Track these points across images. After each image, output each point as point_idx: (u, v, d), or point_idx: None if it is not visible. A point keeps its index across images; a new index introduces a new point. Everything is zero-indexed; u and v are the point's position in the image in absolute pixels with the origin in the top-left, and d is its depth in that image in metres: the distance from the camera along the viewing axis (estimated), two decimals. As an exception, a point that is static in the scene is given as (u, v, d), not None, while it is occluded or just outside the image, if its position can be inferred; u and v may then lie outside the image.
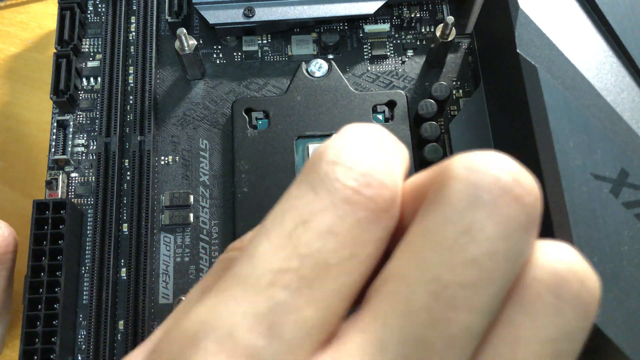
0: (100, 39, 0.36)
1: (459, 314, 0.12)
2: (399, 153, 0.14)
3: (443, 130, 0.34)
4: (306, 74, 0.34)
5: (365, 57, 0.36)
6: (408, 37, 0.36)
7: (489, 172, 0.12)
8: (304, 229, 0.13)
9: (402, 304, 0.12)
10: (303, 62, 0.34)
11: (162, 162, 0.33)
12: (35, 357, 0.28)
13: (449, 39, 0.33)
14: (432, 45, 0.34)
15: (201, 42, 0.36)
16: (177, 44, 0.32)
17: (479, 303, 0.12)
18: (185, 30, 0.32)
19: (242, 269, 0.13)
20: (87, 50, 0.36)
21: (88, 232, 0.32)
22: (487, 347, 0.12)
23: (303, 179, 0.14)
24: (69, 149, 0.34)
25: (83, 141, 0.34)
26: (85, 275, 0.31)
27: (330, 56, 0.36)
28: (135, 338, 0.30)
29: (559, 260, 0.13)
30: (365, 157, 0.13)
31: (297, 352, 0.12)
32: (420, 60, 0.36)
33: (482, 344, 0.12)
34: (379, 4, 0.34)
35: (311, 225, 0.13)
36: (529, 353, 0.12)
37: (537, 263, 0.13)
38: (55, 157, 0.33)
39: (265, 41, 0.36)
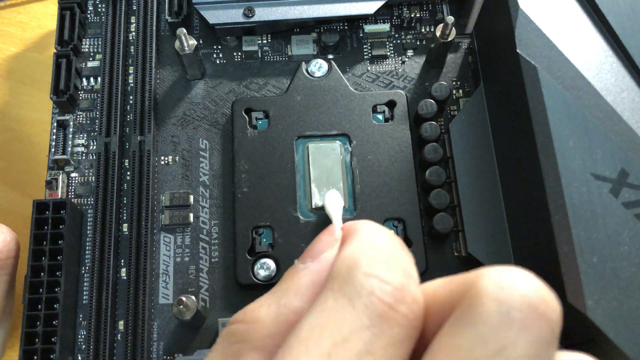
0: (100, 39, 0.36)
1: None
2: (412, 261, 0.15)
3: (443, 130, 0.34)
4: (306, 74, 0.34)
5: (365, 57, 0.36)
6: (408, 37, 0.36)
7: (518, 290, 0.13)
8: (343, 349, 0.13)
9: None
10: (303, 62, 0.34)
11: (162, 162, 0.34)
12: (35, 357, 0.28)
13: (449, 39, 0.33)
14: (432, 45, 0.34)
15: (201, 42, 0.36)
16: (177, 44, 0.32)
17: None
18: (185, 30, 0.32)
19: None
20: (87, 50, 0.36)
21: (88, 232, 0.32)
22: None
23: (338, 289, 0.14)
24: (69, 149, 0.34)
25: (83, 141, 0.34)
26: (85, 275, 0.31)
27: (330, 56, 0.36)
28: (135, 338, 0.30)
29: None
30: (398, 269, 0.14)
31: None
32: (420, 60, 0.36)
33: None
34: (379, 4, 0.34)
35: (350, 345, 0.13)
36: None
37: None
38: (55, 157, 0.33)
39: (265, 41, 0.36)
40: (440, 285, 0.15)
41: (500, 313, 0.13)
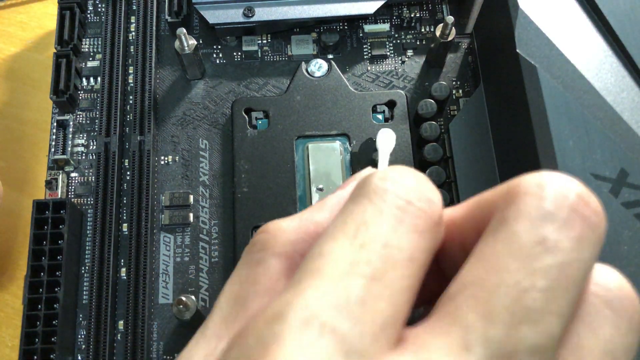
0: (100, 38, 0.36)
1: (541, 316, 0.12)
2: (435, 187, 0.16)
3: (443, 130, 0.34)
4: (306, 73, 0.34)
5: (365, 57, 0.36)
6: (408, 37, 0.36)
7: (560, 191, 0.13)
8: (366, 229, 0.13)
9: (484, 308, 0.12)
10: (303, 62, 0.34)
11: (162, 162, 0.34)
12: (35, 357, 0.28)
13: (449, 38, 0.33)
14: (432, 45, 0.34)
15: (201, 42, 0.36)
16: (177, 43, 0.32)
17: (558, 308, 0.12)
18: (185, 30, 0.32)
19: (314, 264, 0.13)
20: (87, 50, 0.36)
21: (88, 232, 0.32)
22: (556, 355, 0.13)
23: (356, 194, 0.15)
24: (69, 148, 0.34)
25: (83, 141, 0.34)
26: (85, 275, 0.31)
27: (330, 56, 0.36)
28: (135, 338, 0.30)
29: (611, 280, 0.14)
30: (410, 177, 0.15)
31: (380, 340, 0.12)
32: (420, 60, 0.36)
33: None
34: (379, 4, 0.34)
35: (372, 227, 0.14)
36: None
37: (593, 280, 0.14)
38: (55, 157, 0.33)
39: (265, 41, 0.36)
40: (483, 194, 0.15)
41: (542, 208, 0.13)
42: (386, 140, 0.28)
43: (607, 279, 0.14)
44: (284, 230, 0.16)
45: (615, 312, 0.14)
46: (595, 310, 0.14)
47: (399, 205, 0.14)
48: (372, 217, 0.14)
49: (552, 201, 0.13)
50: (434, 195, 0.15)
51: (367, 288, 0.13)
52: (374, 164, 0.32)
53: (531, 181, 0.14)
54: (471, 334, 0.12)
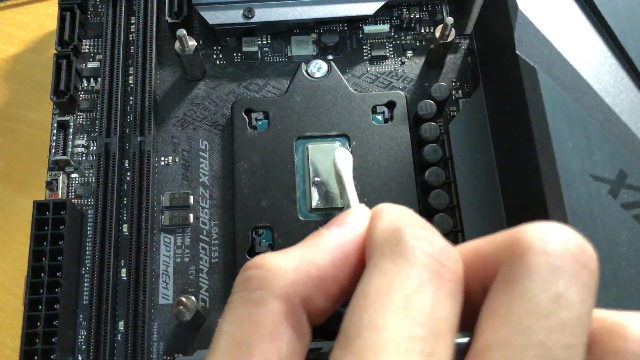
0: (100, 39, 0.36)
1: None
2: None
3: (442, 131, 0.34)
4: (306, 74, 0.34)
5: (364, 57, 0.36)
6: (407, 37, 0.36)
7: (563, 244, 0.14)
8: (415, 302, 0.14)
9: None
10: (303, 63, 0.34)
11: (162, 163, 0.34)
12: (36, 358, 0.28)
13: (449, 39, 0.33)
14: (432, 46, 0.34)
15: (201, 42, 0.36)
16: (177, 44, 0.33)
17: (577, 355, 0.13)
18: (185, 31, 0.32)
19: (371, 339, 0.13)
20: (87, 50, 0.36)
21: (88, 232, 0.32)
22: None
23: (391, 252, 0.15)
24: (69, 149, 0.34)
25: (83, 142, 0.34)
26: (86, 276, 0.31)
27: (330, 57, 0.36)
28: (135, 338, 0.30)
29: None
30: (436, 234, 0.15)
31: None
32: (420, 61, 0.36)
33: None
34: (379, 5, 0.34)
35: (419, 296, 0.14)
36: None
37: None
38: (56, 157, 0.33)
39: (265, 42, 0.36)
40: (481, 244, 0.15)
41: (551, 265, 0.14)
42: (345, 160, 0.27)
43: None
44: (284, 270, 0.15)
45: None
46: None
47: (436, 269, 0.14)
48: (417, 284, 0.14)
49: (558, 256, 0.14)
50: (456, 254, 0.15)
51: None
52: (373, 167, 0.32)
53: (534, 236, 0.14)
54: None
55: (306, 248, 0.16)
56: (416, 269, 0.14)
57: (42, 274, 0.30)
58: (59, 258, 0.30)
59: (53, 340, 0.29)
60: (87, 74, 0.36)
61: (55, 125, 0.34)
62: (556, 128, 0.26)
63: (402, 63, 0.36)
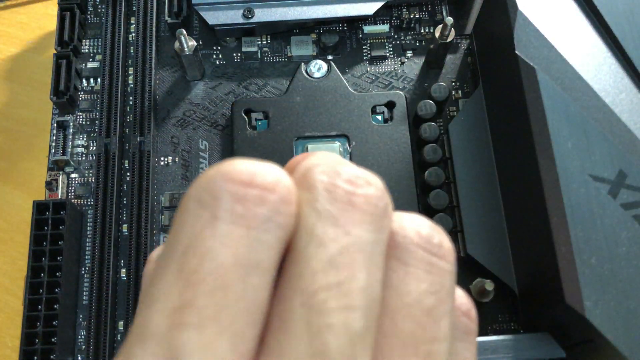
0: (100, 39, 0.36)
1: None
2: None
3: (442, 131, 0.34)
4: (305, 74, 0.34)
5: (364, 57, 0.36)
6: (407, 38, 0.36)
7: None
8: (193, 254, 0.12)
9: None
10: (302, 63, 0.34)
11: (162, 163, 0.34)
12: (36, 358, 0.28)
13: (448, 39, 0.33)
14: (432, 46, 0.34)
15: (201, 43, 0.36)
16: (176, 44, 0.33)
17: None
18: (184, 31, 0.32)
19: (138, 319, 0.12)
20: (87, 51, 0.36)
21: (88, 232, 0.32)
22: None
23: (192, 195, 0.13)
24: (69, 149, 0.34)
25: (83, 142, 0.34)
26: (85, 276, 0.31)
27: (330, 57, 0.36)
28: (135, 338, 0.30)
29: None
30: (240, 165, 0.13)
31: None
32: (420, 61, 0.36)
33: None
34: (379, 5, 0.34)
35: (199, 248, 0.12)
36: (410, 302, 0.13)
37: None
38: (55, 157, 0.33)
39: (264, 42, 0.36)
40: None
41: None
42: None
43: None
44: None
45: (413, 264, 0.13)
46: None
47: (228, 207, 0.12)
48: (204, 229, 0.12)
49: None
50: (271, 174, 0.13)
51: (198, 336, 0.11)
52: (373, 168, 0.32)
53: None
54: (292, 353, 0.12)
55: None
56: (206, 210, 0.12)
57: (42, 274, 0.30)
58: (58, 258, 0.30)
59: (53, 340, 0.29)
60: (86, 74, 0.36)
61: (55, 125, 0.34)
62: (556, 128, 0.26)
63: (402, 63, 0.36)
